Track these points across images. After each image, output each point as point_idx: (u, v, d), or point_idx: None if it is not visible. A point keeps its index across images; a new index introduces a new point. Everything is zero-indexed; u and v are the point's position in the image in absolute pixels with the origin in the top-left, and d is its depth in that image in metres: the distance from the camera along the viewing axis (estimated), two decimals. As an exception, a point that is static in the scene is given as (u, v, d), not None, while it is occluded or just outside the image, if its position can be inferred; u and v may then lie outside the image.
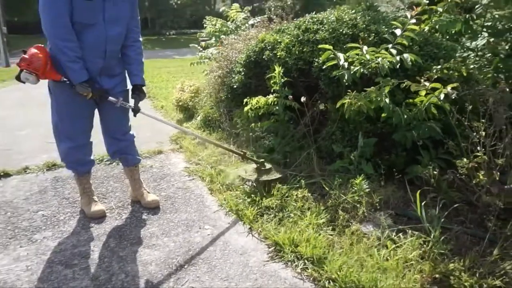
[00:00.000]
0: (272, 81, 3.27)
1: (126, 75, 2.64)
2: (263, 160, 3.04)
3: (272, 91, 3.31)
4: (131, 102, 2.58)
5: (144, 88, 2.62)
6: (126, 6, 2.38)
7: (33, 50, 2.20)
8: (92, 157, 2.68)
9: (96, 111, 2.59)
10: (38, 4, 2.16)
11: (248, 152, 3.09)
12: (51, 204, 2.82)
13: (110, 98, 2.41)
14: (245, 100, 3.41)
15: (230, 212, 2.66)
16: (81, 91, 2.28)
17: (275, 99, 3.25)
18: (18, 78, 2.24)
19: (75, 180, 2.74)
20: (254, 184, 2.89)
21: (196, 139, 4.14)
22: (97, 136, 2.71)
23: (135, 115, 2.59)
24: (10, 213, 2.68)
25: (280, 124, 3.37)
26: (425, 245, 2.07)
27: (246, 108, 3.38)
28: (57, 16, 2.14)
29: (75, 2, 2.14)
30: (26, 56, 2.18)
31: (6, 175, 3.33)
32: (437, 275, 1.89)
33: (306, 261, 2.08)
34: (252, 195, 2.74)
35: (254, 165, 3.00)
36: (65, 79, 2.27)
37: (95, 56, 2.33)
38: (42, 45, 2.28)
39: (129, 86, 2.63)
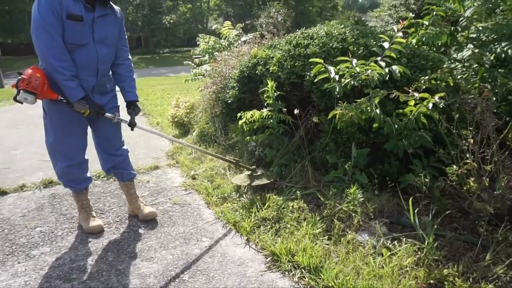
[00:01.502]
0: (265, 95, 3.33)
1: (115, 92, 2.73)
2: (254, 167, 3.25)
3: (265, 105, 3.37)
4: (126, 117, 2.64)
5: (138, 103, 2.71)
6: (113, 27, 2.47)
7: (30, 71, 2.23)
8: (88, 174, 2.70)
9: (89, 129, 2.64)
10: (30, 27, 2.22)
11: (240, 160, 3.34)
12: (49, 220, 2.83)
13: (107, 114, 2.49)
14: (239, 114, 3.47)
15: (227, 224, 2.69)
16: (79, 108, 2.33)
17: (269, 113, 3.31)
18: (15, 98, 2.26)
19: (73, 197, 2.75)
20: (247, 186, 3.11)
21: (192, 154, 4.18)
22: (93, 152, 2.74)
23: (132, 129, 2.65)
24: (7, 230, 2.69)
25: (275, 137, 3.43)
26: (419, 252, 2.11)
27: (240, 122, 3.44)
28: (50, 38, 2.19)
29: (66, 24, 2.21)
30: (24, 76, 2.21)
31: (3, 193, 3.34)
32: (431, 281, 1.92)
33: (303, 270, 2.11)
34: (249, 207, 2.78)
35: (247, 172, 3.22)
36: (62, 98, 2.31)
37: (88, 74, 2.39)
38: (38, 66, 2.31)
39: (120, 103, 2.71)
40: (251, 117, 3.36)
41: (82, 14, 2.25)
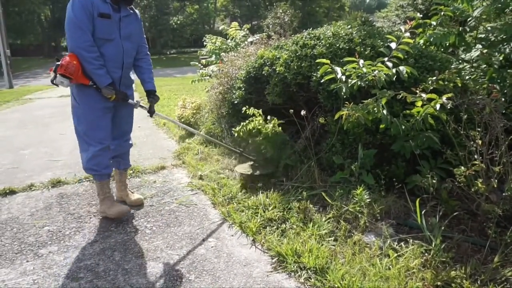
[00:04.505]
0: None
1: None
2: (256, 158, 3.51)
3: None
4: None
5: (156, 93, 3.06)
6: (136, 26, 2.84)
7: (67, 58, 2.54)
8: (111, 161, 2.96)
9: None
10: (64, 24, 2.57)
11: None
12: (57, 219, 2.86)
13: (130, 101, 2.82)
14: (244, 108, 3.50)
15: (233, 225, 2.69)
16: (106, 93, 2.65)
17: (261, 121, 3.37)
18: (52, 81, 2.61)
19: (97, 187, 2.89)
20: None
21: (198, 154, 4.19)
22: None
23: (151, 116, 3.04)
24: (16, 229, 2.72)
25: (272, 141, 3.42)
26: (426, 254, 2.09)
27: (236, 129, 3.48)
28: (82, 33, 2.52)
29: (97, 21, 2.55)
30: (62, 62, 2.52)
31: (12, 192, 3.38)
32: (439, 283, 1.91)
33: (309, 271, 2.10)
34: (255, 207, 2.79)
35: (250, 162, 3.50)
36: (92, 84, 2.62)
37: (115, 67, 2.72)
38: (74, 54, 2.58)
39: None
40: (247, 124, 3.40)
41: (110, 13, 2.60)
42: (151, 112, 2.97)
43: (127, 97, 2.80)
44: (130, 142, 3.15)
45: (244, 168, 3.42)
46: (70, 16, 2.51)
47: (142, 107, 2.91)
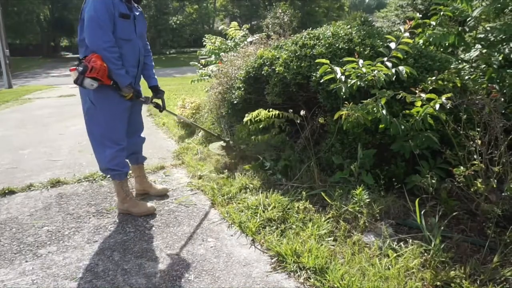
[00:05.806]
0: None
1: None
2: (228, 139, 3.89)
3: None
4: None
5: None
6: (144, 24, 2.92)
7: (98, 62, 2.52)
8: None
9: None
10: (84, 22, 2.54)
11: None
12: (56, 219, 2.85)
13: (141, 98, 2.85)
14: (246, 115, 3.46)
15: (232, 225, 2.69)
16: (126, 92, 2.69)
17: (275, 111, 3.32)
18: (80, 83, 2.55)
19: (116, 188, 2.91)
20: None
21: (198, 154, 4.19)
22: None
23: (161, 111, 3.16)
24: (15, 229, 2.71)
25: (279, 138, 3.42)
26: (426, 254, 2.09)
27: (246, 119, 3.42)
28: (105, 34, 2.53)
29: (118, 21, 2.58)
30: (93, 65, 2.50)
31: (11, 192, 3.38)
32: (438, 283, 1.91)
33: (308, 271, 2.10)
34: (254, 207, 2.79)
35: (222, 143, 3.91)
36: (113, 83, 2.64)
37: (132, 65, 2.78)
38: (98, 55, 2.57)
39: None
40: (257, 116, 3.35)
41: (128, 12, 2.64)
42: (162, 108, 3.06)
43: (141, 94, 2.83)
44: (143, 136, 3.20)
45: (217, 147, 3.87)
46: (92, 15, 2.49)
47: (152, 103, 2.98)
